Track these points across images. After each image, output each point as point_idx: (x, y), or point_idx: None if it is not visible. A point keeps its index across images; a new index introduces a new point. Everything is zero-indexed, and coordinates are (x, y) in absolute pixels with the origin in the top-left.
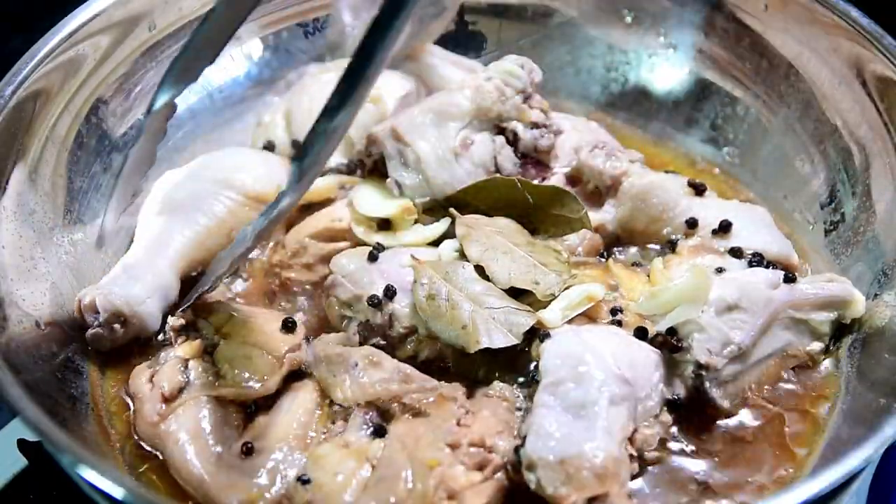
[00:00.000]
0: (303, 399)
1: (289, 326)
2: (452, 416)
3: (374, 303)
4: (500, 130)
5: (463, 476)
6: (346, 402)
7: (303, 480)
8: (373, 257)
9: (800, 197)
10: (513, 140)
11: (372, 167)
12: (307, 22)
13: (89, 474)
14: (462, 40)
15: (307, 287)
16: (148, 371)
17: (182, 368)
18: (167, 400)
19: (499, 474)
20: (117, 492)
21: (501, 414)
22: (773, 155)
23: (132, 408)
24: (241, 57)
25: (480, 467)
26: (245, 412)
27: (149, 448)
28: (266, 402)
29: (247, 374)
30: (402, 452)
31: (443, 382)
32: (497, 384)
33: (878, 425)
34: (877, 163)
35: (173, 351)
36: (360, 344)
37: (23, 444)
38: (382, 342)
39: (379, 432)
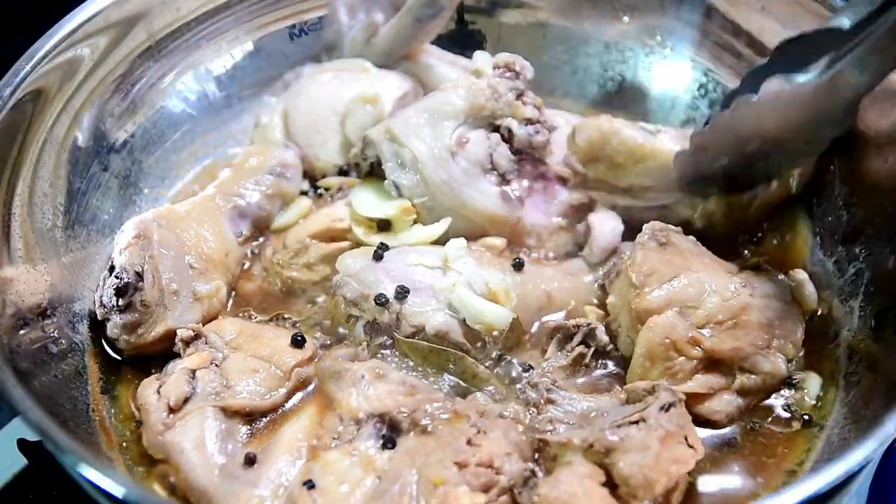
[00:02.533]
0: (308, 412)
1: (297, 341)
2: (463, 435)
3: (382, 302)
4: (495, 128)
5: (466, 497)
6: (352, 414)
7: (308, 485)
8: (378, 256)
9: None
10: (507, 137)
11: (369, 169)
12: (304, 22)
13: (91, 473)
14: (461, 40)
15: (308, 287)
16: (156, 383)
17: (189, 379)
18: (173, 410)
19: (503, 497)
20: (118, 491)
21: (513, 436)
22: None
23: (139, 418)
24: (238, 58)
25: (486, 488)
26: (250, 424)
27: (157, 457)
28: (272, 415)
29: (253, 387)
30: (409, 467)
31: (458, 399)
32: (513, 405)
33: (878, 424)
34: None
35: (181, 362)
36: (367, 343)
37: (23, 444)
38: (389, 341)
39: (388, 444)
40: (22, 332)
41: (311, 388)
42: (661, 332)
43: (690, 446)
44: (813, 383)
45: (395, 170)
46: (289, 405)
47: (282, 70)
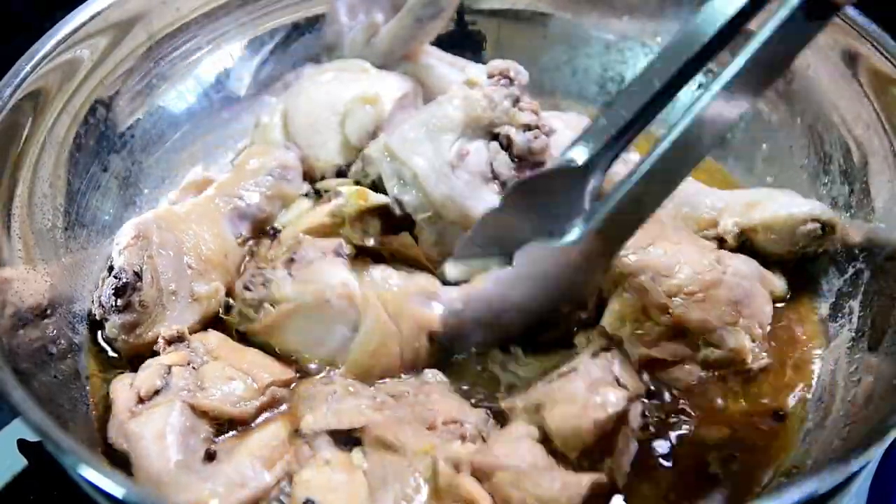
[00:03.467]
0: (276, 428)
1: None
2: (414, 405)
3: None
4: (494, 136)
5: (462, 448)
6: (311, 429)
7: (309, 503)
8: None
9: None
10: (507, 145)
11: (371, 185)
12: (304, 22)
13: (90, 474)
14: (461, 40)
15: None
16: (129, 378)
17: (163, 374)
18: (142, 400)
19: (477, 443)
20: (118, 491)
21: (449, 394)
22: (771, 152)
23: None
24: (238, 57)
25: (462, 439)
26: (216, 430)
27: (117, 447)
28: (239, 428)
29: (226, 393)
30: (389, 452)
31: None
32: (428, 372)
33: (878, 425)
34: (874, 160)
35: (157, 359)
36: None
37: (23, 445)
38: None
39: (350, 443)
40: (21, 332)
41: (282, 408)
42: (634, 295)
43: (623, 386)
44: None
45: (396, 187)
46: (258, 422)
47: (281, 70)
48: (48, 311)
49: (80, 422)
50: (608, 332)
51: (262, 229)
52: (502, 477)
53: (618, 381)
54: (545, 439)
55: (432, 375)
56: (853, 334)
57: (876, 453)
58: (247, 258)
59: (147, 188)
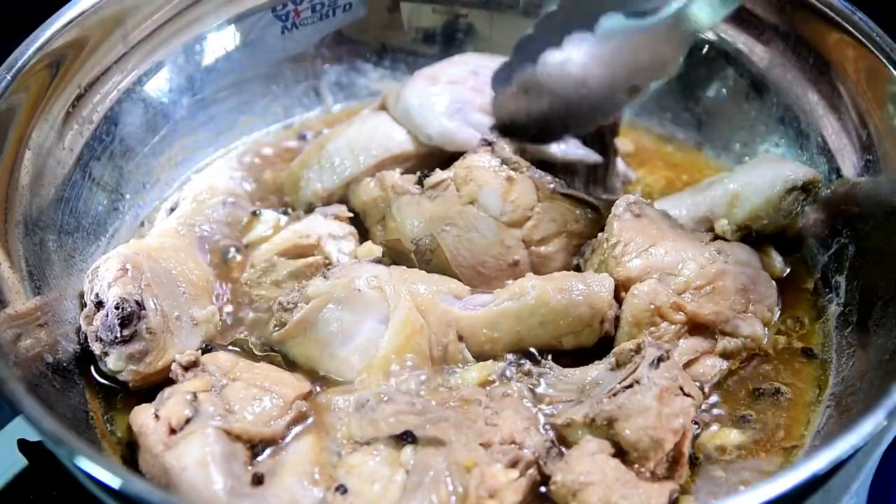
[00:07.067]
0: (309, 443)
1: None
2: (479, 417)
3: None
4: None
5: (501, 474)
6: (359, 438)
7: (341, 490)
8: None
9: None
10: None
11: None
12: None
13: (87, 465)
14: (453, 33)
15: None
16: (151, 408)
17: (190, 400)
18: (174, 431)
19: (531, 469)
20: (114, 482)
21: (523, 411)
22: (747, 133)
23: (139, 445)
24: (211, 62)
25: (514, 464)
26: (252, 451)
27: (155, 481)
28: (273, 446)
29: (256, 413)
30: (435, 456)
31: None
32: (514, 384)
33: (883, 395)
34: (848, 139)
35: (179, 386)
36: None
37: (23, 444)
38: None
39: (408, 439)
40: (16, 342)
41: (308, 421)
42: (646, 299)
43: (688, 395)
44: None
45: None
46: (289, 437)
47: (255, 73)
48: (40, 320)
49: (80, 430)
50: (657, 342)
51: (228, 251)
52: (591, 493)
53: (682, 389)
54: (617, 452)
55: (517, 388)
56: (842, 309)
57: (879, 427)
58: (218, 281)
59: (129, 193)
